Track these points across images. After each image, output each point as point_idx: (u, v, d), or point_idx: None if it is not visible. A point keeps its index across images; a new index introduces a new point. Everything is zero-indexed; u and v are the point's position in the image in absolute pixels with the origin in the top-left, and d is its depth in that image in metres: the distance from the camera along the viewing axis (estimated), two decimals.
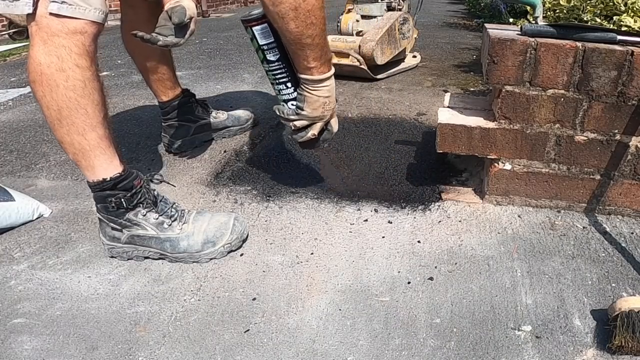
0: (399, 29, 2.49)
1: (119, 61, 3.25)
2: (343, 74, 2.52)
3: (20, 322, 0.98)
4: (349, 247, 1.18)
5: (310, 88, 1.13)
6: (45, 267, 1.14)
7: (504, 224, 1.25)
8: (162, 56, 1.56)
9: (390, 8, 2.60)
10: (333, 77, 1.16)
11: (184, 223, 1.15)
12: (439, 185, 1.43)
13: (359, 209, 1.34)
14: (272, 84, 1.19)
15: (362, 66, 2.36)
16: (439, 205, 1.34)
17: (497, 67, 1.17)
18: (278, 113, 1.21)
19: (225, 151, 1.71)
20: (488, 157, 1.28)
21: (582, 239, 1.18)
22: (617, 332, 0.85)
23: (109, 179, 1.08)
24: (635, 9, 1.60)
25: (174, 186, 1.46)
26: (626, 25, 1.56)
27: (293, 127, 1.20)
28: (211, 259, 1.15)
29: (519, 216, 1.27)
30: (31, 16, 0.97)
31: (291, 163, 1.61)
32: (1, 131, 2.01)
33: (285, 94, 1.18)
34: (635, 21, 1.56)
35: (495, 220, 1.27)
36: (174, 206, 1.17)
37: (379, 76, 2.49)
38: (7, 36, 4.43)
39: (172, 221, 1.14)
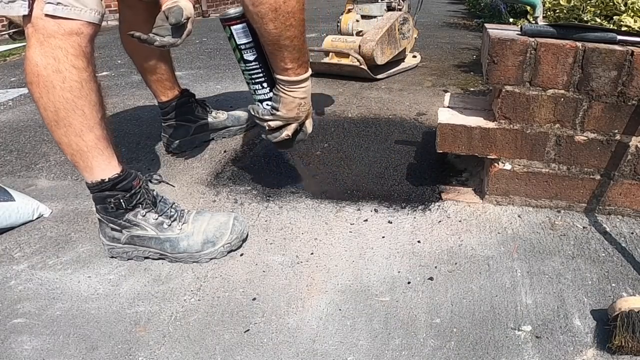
0: (399, 29, 2.49)
1: (119, 61, 3.25)
2: (343, 74, 2.52)
3: (20, 322, 0.98)
4: (349, 247, 1.18)
5: (286, 89, 1.13)
6: (45, 267, 1.14)
7: (504, 224, 1.25)
8: (161, 56, 1.56)
9: (390, 8, 2.60)
10: (310, 78, 1.16)
11: (183, 223, 1.15)
12: (439, 185, 1.43)
13: (359, 209, 1.34)
14: (247, 83, 1.20)
15: (362, 66, 2.36)
16: (439, 205, 1.34)
17: (497, 67, 1.17)
18: (253, 113, 1.21)
19: (225, 151, 1.71)
20: (488, 157, 1.28)
21: (582, 239, 1.18)
22: (617, 332, 0.85)
23: (107, 179, 1.08)
24: (635, 9, 1.60)
25: (173, 186, 1.46)
26: (626, 25, 1.56)
27: (267, 127, 1.20)
28: (211, 259, 1.15)
29: (519, 216, 1.27)
30: (27, 18, 0.97)
31: (291, 163, 1.61)
32: (1, 131, 2.01)
33: (260, 94, 1.18)
34: (635, 21, 1.56)
35: (495, 220, 1.27)
36: (174, 206, 1.17)
37: (379, 76, 2.49)
38: (7, 36, 4.43)
39: (172, 221, 1.14)
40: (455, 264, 1.11)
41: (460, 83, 2.44)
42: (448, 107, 1.37)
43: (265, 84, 1.17)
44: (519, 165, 1.27)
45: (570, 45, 1.12)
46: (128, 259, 1.16)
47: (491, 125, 1.24)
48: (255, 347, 0.91)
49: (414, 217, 1.30)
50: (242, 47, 1.12)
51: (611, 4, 1.69)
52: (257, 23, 1.03)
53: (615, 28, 1.54)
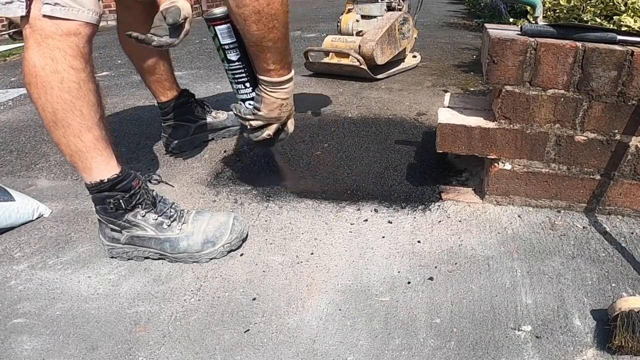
0: (399, 29, 2.49)
1: (119, 61, 3.25)
2: (343, 74, 2.53)
3: (20, 322, 0.98)
4: (349, 247, 1.18)
5: (269, 90, 1.13)
6: (45, 267, 1.14)
7: (504, 224, 1.25)
8: (159, 57, 1.56)
9: (390, 8, 2.60)
10: (292, 80, 1.17)
11: (183, 223, 1.15)
12: (439, 185, 1.43)
13: (359, 209, 1.34)
14: (230, 82, 1.21)
15: (362, 66, 2.36)
16: (439, 205, 1.34)
17: (497, 67, 1.17)
18: (235, 112, 1.22)
19: (225, 151, 1.71)
20: (488, 157, 1.28)
21: (582, 239, 1.18)
22: (617, 332, 0.85)
23: (106, 180, 1.08)
24: (635, 9, 1.60)
25: (172, 186, 1.46)
26: (626, 25, 1.56)
27: (249, 127, 1.21)
28: (211, 258, 1.15)
29: (519, 216, 1.27)
30: (25, 18, 0.97)
31: (291, 163, 1.61)
32: (1, 131, 2.01)
33: (243, 94, 1.19)
34: (635, 21, 1.56)
35: (495, 220, 1.27)
36: (173, 206, 1.17)
37: (379, 76, 2.49)
38: (7, 36, 4.43)
39: (172, 221, 1.14)
40: (455, 264, 1.11)
41: (460, 83, 2.44)
42: (448, 107, 1.37)
43: (247, 84, 1.18)
44: (519, 165, 1.27)
45: (570, 45, 1.12)
46: (128, 259, 1.16)
47: (491, 125, 1.24)
48: (255, 347, 0.91)
49: (414, 217, 1.30)
50: (226, 47, 1.13)
51: (611, 4, 1.69)
52: (241, 24, 1.04)
53: (615, 28, 1.54)
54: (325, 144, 1.73)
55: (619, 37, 1.13)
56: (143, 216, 1.13)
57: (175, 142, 1.68)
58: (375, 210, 1.33)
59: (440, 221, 1.28)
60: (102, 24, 1.05)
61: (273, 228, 1.27)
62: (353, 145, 1.71)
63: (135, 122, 2.06)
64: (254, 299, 1.03)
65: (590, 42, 1.13)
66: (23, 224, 1.31)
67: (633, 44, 1.13)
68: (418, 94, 2.26)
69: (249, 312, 0.99)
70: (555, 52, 1.13)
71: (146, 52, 1.51)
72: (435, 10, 5.83)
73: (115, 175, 1.09)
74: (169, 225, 1.14)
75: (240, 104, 1.21)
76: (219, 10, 1.10)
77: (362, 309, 0.99)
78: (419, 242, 1.19)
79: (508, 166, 1.27)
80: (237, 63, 1.15)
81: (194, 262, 1.14)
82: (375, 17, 2.56)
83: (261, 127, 1.21)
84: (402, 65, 2.69)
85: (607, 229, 1.21)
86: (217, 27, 1.11)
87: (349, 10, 2.56)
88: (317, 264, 1.13)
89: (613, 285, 1.03)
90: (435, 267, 1.10)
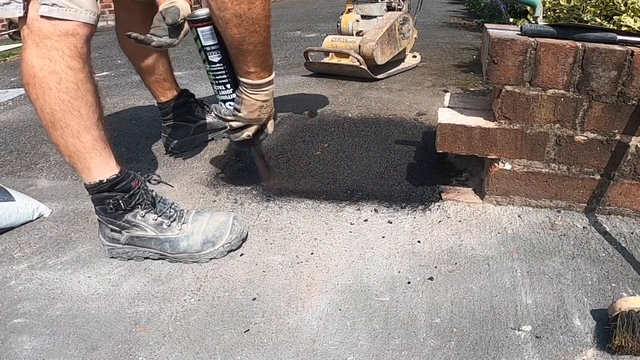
0: (399, 29, 2.49)
1: (119, 61, 3.25)
2: (343, 74, 2.53)
3: (20, 322, 0.98)
4: (349, 247, 1.18)
5: (249, 91, 1.14)
6: (45, 267, 1.14)
7: (504, 224, 1.25)
8: (158, 57, 1.56)
9: (390, 8, 2.60)
10: (273, 82, 1.17)
11: (183, 223, 1.15)
12: (439, 185, 1.43)
13: (359, 209, 1.34)
14: (211, 83, 1.21)
15: (362, 66, 2.36)
16: (439, 205, 1.34)
17: (497, 67, 1.17)
18: (215, 112, 1.23)
19: (225, 151, 1.71)
20: (488, 157, 1.28)
21: (582, 239, 1.18)
22: (617, 332, 0.85)
23: (105, 180, 1.08)
24: (635, 9, 1.60)
25: (172, 186, 1.46)
26: (626, 25, 1.56)
27: (229, 127, 1.22)
28: (211, 258, 1.15)
29: (519, 216, 1.27)
30: (23, 19, 0.97)
31: (291, 163, 1.61)
32: (1, 131, 2.01)
33: (224, 95, 1.20)
34: (635, 21, 1.56)
35: (495, 220, 1.27)
36: (173, 206, 1.17)
37: (379, 76, 2.50)
38: (7, 36, 4.43)
39: (171, 222, 1.14)
40: (455, 264, 1.11)
41: (460, 83, 2.44)
42: (448, 107, 1.37)
43: (228, 85, 1.18)
44: (519, 165, 1.27)
45: (570, 45, 1.12)
46: (128, 259, 1.16)
47: (491, 125, 1.24)
48: (255, 347, 0.91)
49: (414, 217, 1.30)
50: (208, 48, 1.14)
51: (611, 4, 1.69)
52: (222, 27, 1.04)
53: (615, 28, 1.54)
54: (325, 144, 1.73)
55: (619, 37, 1.13)
56: (143, 216, 1.13)
57: (175, 142, 1.68)
58: (375, 210, 1.33)
59: (440, 221, 1.28)
60: (102, 24, 1.05)
61: (273, 228, 1.27)
62: (353, 145, 1.71)
63: (135, 122, 2.06)
64: (254, 299, 1.03)
65: (590, 42, 1.13)
66: (23, 224, 1.31)
67: (633, 44, 1.13)
68: (418, 94, 2.26)
69: (249, 312, 0.99)
70: (555, 52, 1.13)
71: (145, 52, 1.51)
72: (435, 10, 5.83)
73: (115, 176, 1.09)
74: (168, 226, 1.14)
75: (221, 104, 1.22)
76: (201, 12, 1.10)
77: (362, 309, 0.99)
78: (419, 242, 1.19)
79: (508, 166, 1.27)
80: (218, 65, 1.15)
81: (194, 262, 1.14)
82: (375, 17, 2.56)
83: (241, 128, 1.22)
84: (402, 65, 2.69)
85: (607, 229, 1.21)
86: (199, 29, 1.11)
87: (349, 10, 2.56)
88: (317, 264, 1.13)
89: (613, 285, 1.03)
90: (435, 267, 1.10)
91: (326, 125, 1.87)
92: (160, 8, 1.18)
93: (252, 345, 0.91)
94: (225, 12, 0.99)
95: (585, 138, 1.20)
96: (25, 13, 0.96)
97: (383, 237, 1.22)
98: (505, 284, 1.04)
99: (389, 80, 2.51)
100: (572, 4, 1.85)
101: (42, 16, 0.95)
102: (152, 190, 1.17)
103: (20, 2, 0.95)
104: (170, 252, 1.13)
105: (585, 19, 1.75)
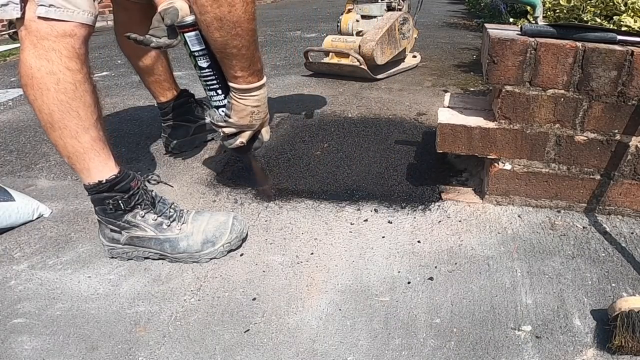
0: (399, 29, 2.49)
1: (119, 61, 3.25)
2: (343, 74, 2.53)
3: (20, 322, 0.98)
4: (349, 247, 1.18)
5: (238, 96, 1.13)
6: (45, 267, 1.14)
7: (504, 224, 1.25)
8: (158, 57, 1.56)
9: (390, 8, 2.60)
10: (264, 87, 1.16)
11: (183, 223, 1.15)
12: (439, 185, 1.43)
13: (359, 209, 1.34)
14: (204, 89, 1.21)
15: (362, 66, 2.36)
16: (439, 205, 1.34)
17: (497, 67, 1.17)
18: (209, 118, 1.23)
19: (225, 151, 1.71)
20: (488, 157, 1.28)
21: (582, 239, 1.18)
22: (617, 332, 0.85)
23: (104, 181, 1.08)
24: (635, 9, 1.60)
25: (172, 186, 1.46)
26: (626, 25, 1.56)
27: (222, 134, 1.21)
28: (211, 258, 1.15)
29: (519, 216, 1.27)
30: (20, 20, 0.97)
31: (291, 163, 1.61)
32: (1, 131, 2.01)
33: (216, 100, 1.19)
34: (635, 21, 1.56)
35: (495, 220, 1.27)
36: (173, 206, 1.17)
37: (379, 76, 2.50)
38: (7, 36, 4.43)
39: (171, 222, 1.14)
40: (455, 264, 1.11)
41: (460, 83, 2.44)
42: (448, 107, 1.37)
43: (219, 91, 1.17)
44: (519, 165, 1.27)
45: (570, 45, 1.12)
46: (128, 259, 1.16)
47: (491, 125, 1.24)
48: (255, 347, 0.91)
49: (414, 217, 1.30)
50: (196, 54, 1.13)
51: (611, 4, 1.69)
52: (204, 31, 1.04)
53: (615, 28, 1.54)
54: (325, 144, 1.73)
55: (619, 37, 1.13)
56: (142, 217, 1.13)
57: (175, 142, 1.68)
58: (375, 210, 1.33)
59: (440, 221, 1.28)
60: (102, 24, 1.05)
61: (273, 228, 1.27)
62: (353, 145, 1.71)
63: (135, 122, 2.06)
64: (254, 299, 1.03)
65: (590, 42, 1.13)
66: (23, 224, 1.31)
67: (633, 44, 1.13)
68: (418, 94, 2.26)
69: (249, 312, 0.99)
70: (555, 52, 1.13)
71: (144, 52, 1.51)
72: (435, 10, 5.83)
73: (114, 176, 1.09)
74: (168, 226, 1.14)
75: (214, 110, 1.21)
76: (188, 18, 1.10)
77: (362, 309, 0.99)
78: (419, 242, 1.19)
79: (508, 166, 1.27)
80: (207, 70, 1.15)
81: (193, 262, 1.14)
82: (375, 17, 2.56)
83: (234, 135, 1.21)
84: (402, 65, 2.69)
85: (607, 229, 1.21)
86: (186, 34, 1.11)
87: (349, 10, 2.56)
88: (317, 264, 1.13)
89: (613, 285, 1.03)
90: (435, 267, 1.10)
91: (326, 126, 1.87)
92: (159, 9, 1.18)
93: (252, 345, 0.91)
94: (206, 16, 0.99)
95: (585, 138, 1.20)
96: (23, 14, 0.96)
97: (383, 237, 1.22)
98: (505, 284, 1.04)
99: (389, 80, 2.51)
100: (572, 4, 1.85)
101: (39, 17, 0.95)
102: (152, 191, 1.17)
103: (17, 3, 0.95)
104: (170, 252, 1.13)
105: (585, 19, 1.75)
